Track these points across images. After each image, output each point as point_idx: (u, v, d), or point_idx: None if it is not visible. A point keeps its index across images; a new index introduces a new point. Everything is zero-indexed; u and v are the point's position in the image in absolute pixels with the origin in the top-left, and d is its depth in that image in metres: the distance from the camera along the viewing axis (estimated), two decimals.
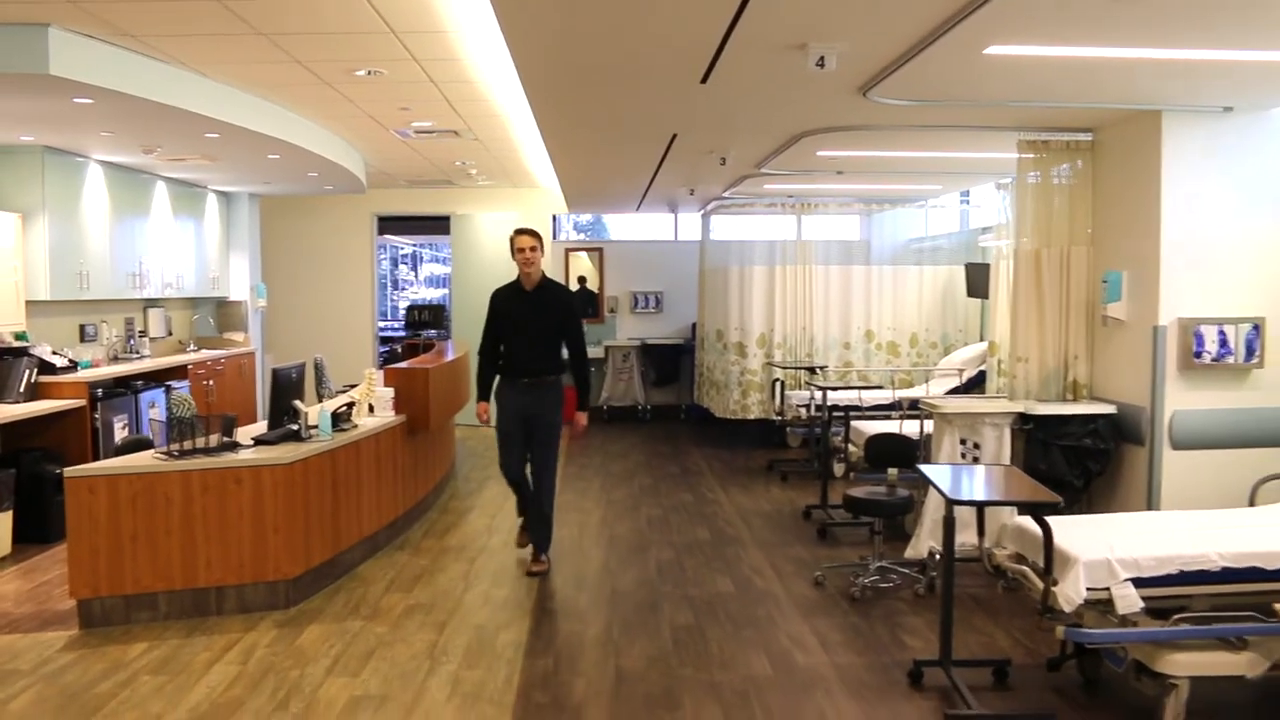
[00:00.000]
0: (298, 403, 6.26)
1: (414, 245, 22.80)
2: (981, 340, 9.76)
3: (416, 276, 23.84)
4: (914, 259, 11.46)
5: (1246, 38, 4.26)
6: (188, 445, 5.70)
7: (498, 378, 6.47)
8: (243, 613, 5.60)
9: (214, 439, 5.84)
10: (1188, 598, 4.15)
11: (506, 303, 6.42)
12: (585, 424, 6.59)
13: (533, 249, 6.27)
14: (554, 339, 6.39)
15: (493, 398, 6.50)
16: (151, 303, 10.15)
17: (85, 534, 5.40)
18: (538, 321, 6.33)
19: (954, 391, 8.77)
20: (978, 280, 9.23)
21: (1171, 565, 4.07)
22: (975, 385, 8.84)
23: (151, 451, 5.80)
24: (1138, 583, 4.02)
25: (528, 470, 6.50)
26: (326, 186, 10.89)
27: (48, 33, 5.16)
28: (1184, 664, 4.01)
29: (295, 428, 6.15)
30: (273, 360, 12.25)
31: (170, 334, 10.66)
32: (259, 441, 5.98)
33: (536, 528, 6.48)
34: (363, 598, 5.91)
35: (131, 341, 9.67)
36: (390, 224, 15.63)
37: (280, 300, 12.70)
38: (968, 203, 10.80)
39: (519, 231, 6.36)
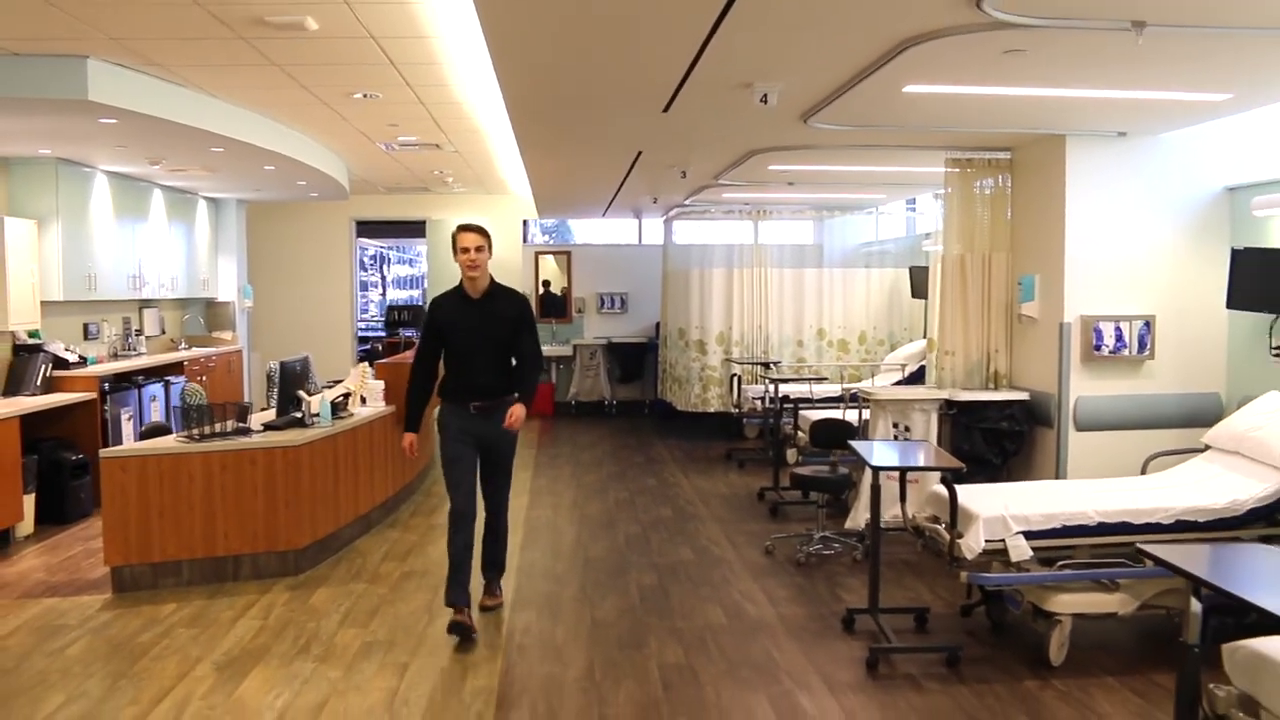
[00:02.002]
0: (302, 393, 6.96)
1: (380, 247, 23.37)
2: (924, 338, 10.58)
3: (384, 278, 24.41)
4: (864, 262, 12.27)
5: (1132, 80, 5.07)
6: (207, 430, 6.39)
7: (441, 402, 5.53)
8: (257, 579, 6.29)
9: (230, 424, 6.53)
10: (1071, 548, 4.97)
11: (450, 314, 5.45)
12: (521, 416, 5.35)
13: (479, 249, 5.30)
14: (505, 353, 5.47)
15: (438, 425, 5.57)
16: (147, 303, 10.77)
17: (118, 508, 6.09)
18: (489, 335, 5.39)
19: (898, 384, 9.57)
20: (920, 282, 10.04)
21: (1056, 521, 4.88)
22: (917, 379, 9.64)
23: (174, 435, 6.49)
24: (1028, 535, 4.83)
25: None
26: (312, 193, 11.56)
27: (87, 64, 5.84)
28: (1067, 603, 4.82)
29: (300, 415, 6.85)
30: (259, 358, 12.93)
31: (164, 332, 11.29)
32: (268, 427, 6.67)
33: (490, 549, 5.74)
34: (363, 566, 6.62)
35: (129, 339, 10.29)
36: (365, 227, 16.24)
37: (265, 301, 13.33)
38: (914, 209, 11.65)
39: (462, 228, 5.36)
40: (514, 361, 5.52)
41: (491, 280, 5.49)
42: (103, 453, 6.20)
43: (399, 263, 25.36)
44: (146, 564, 6.14)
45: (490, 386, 5.43)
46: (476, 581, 5.58)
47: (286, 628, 5.44)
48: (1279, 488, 5.00)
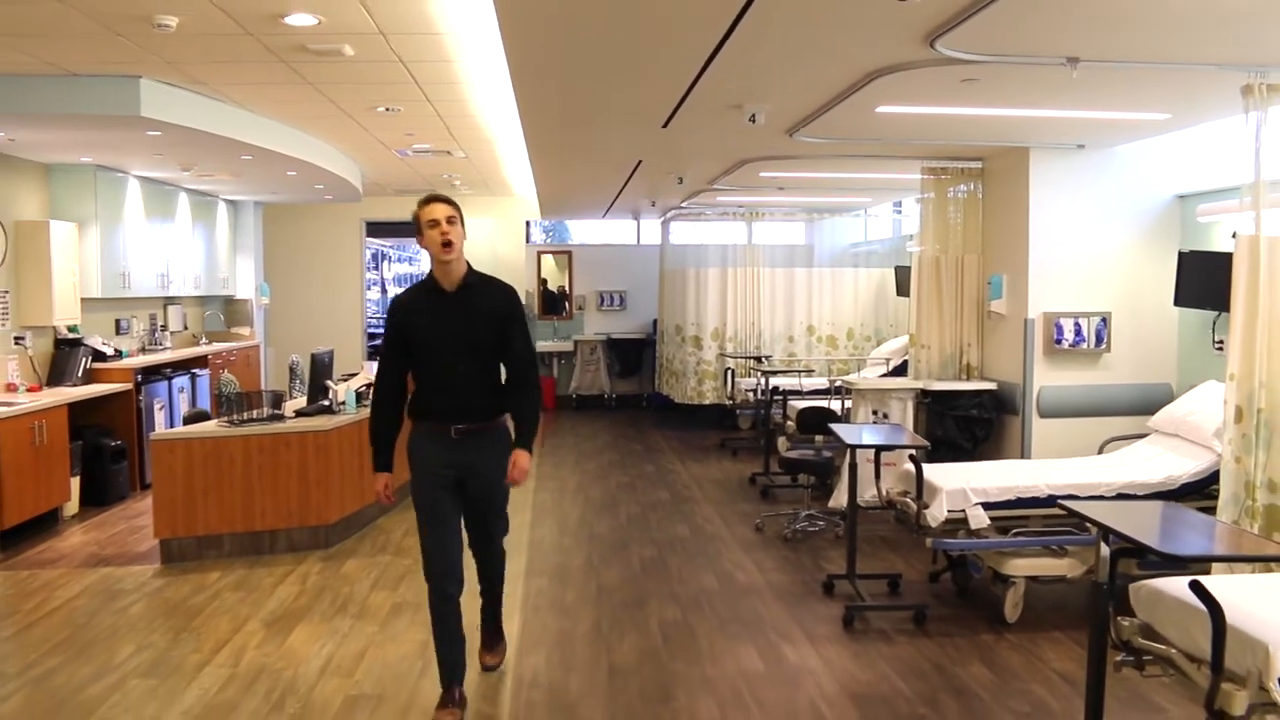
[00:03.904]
0: (329, 382, 7.57)
1: (380, 246, 23.93)
2: (908, 334, 11.19)
3: (383, 277, 24.97)
4: (852, 262, 12.89)
5: (1078, 102, 5.67)
6: (245, 416, 7.00)
7: (412, 425, 4.39)
8: (291, 551, 6.89)
9: (265, 411, 7.14)
10: (1025, 518, 5.59)
11: (417, 313, 4.29)
12: (526, 468, 4.30)
13: (450, 220, 4.16)
14: (492, 361, 4.32)
15: (408, 454, 4.39)
16: (171, 300, 11.36)
17: (166, 486, 6.70)
18: (468, 336, 4.23)
19: (882, 377, 10.18)
20: (905, 281, 10.63)
21: (1011, 493, 5.51)
22: (901, 372, 10.24)
23: (216, 420, 7.10)
24: (986, 506, 5.45)
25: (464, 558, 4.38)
26: (327, 196, 12.16)
27: (140, 83, 6.43)
28: (1021, 567, 5.44)
29: (328, 403, 7.46)
30: (274, 353, 13.55)
31: (186, 328, 11.88)
32: (300, 414, 7.28)
33: (484, 611, 4.77)
34: (387, 540, 7.23)
35: (155, 334, 10.87)
36: (372, 227, 16.84)
37: (280, 298, 13.93)
38: (899, 212, 12.27)
39: (428, 200, 4.21)
40: (504, 371, 4.40)
41: (470, 268, 4.29)
42: (152, 435, 6.83)
43: (399, 261, 25.98)
44: (192, 537, 6.75)
45: (474, 405, 4.27)
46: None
47: (323, 592, 6.05)
48: (1209, 464, 5.61)
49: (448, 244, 4.16)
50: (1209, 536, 3.59)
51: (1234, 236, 5.07)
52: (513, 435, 4.40)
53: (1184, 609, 3.33)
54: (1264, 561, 3.96)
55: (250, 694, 4.56)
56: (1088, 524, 3.59)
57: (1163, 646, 3.46)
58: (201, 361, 10.98)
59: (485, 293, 4.33)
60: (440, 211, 4.16)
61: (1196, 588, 3.11)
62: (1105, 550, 3.51)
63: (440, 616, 4.28)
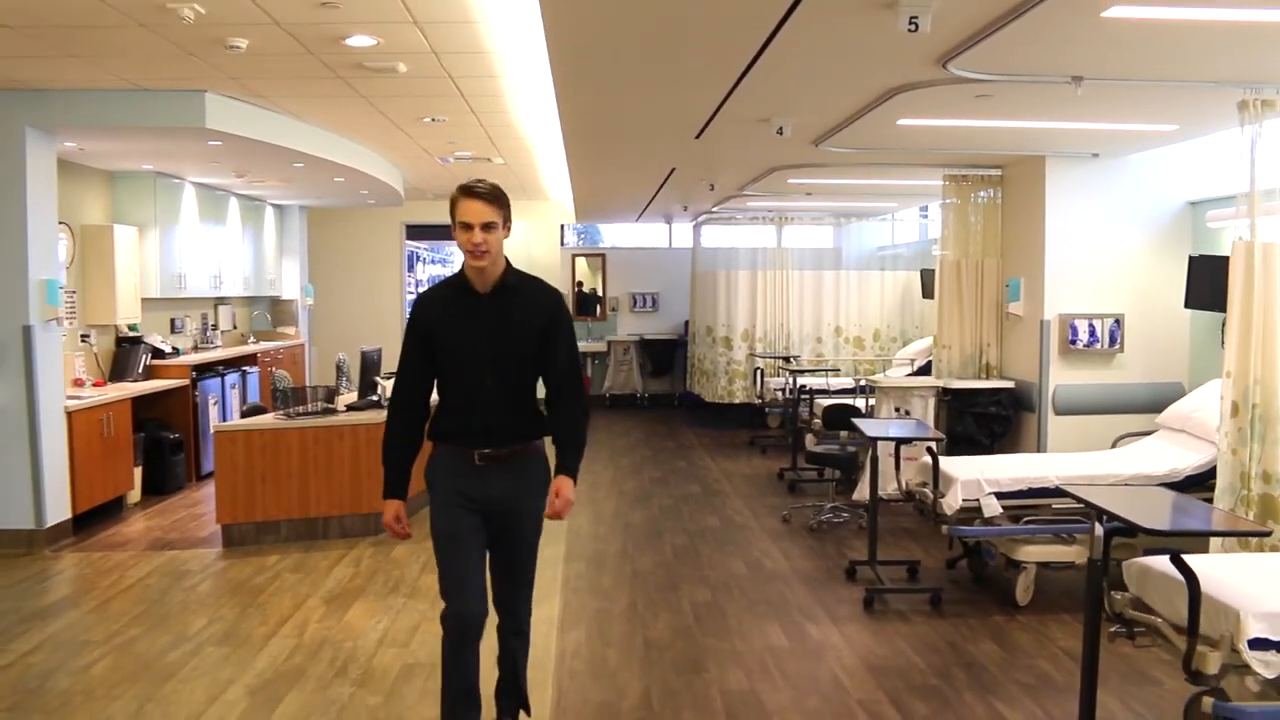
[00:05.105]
0: (379, 378, 8.00)
1: (413, 247, 24.36)
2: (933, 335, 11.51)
3: (415, 277, 25.39)
4: (879, 265, 13.20)
5: (1088, 115, 5.99)
6: (300, 410, 7.44)
7: (432, 448, 3.79)
8: (343, 537, 7.31)
9: (319, 405, 7.57)
10: (1035, 508, 5.92)
11: (445, 315, 3.70)
12: (570, 499, 3.71)
13: (487, 227, 3.51)
14: (528, 377, 3.73)
15: (426, 481, 3.82)
16: (221, 300, 11.84)
17: (228, 474, 7.14)
18: (503, 347, 3.66)
19: (906, 377, 10.51)
20: (930, 284, 10.95)
21: (1022, 483, 5.84)
22: (925, 372, 10.56)
23: (273, 413, 7.54)
24: (999, 495, 5.79)
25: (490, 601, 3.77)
26: (370, 201, 12.62)
27: (205, 97, 6.88)
28: (1032, 553, 5.77)
29: (376, 398, 7.87)
30: (318, 351, 14.04)
31: (235, 327, 12.37)
32: (351, 408, 7.70)
33: (504, 673, 3.97)
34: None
35: (207, 333, 11.36)
36: (412, 230, 17.30)
37: (324, 299, 14.42)
38: (925, 216, 12.57)
39: (468, 192, 3.54)
40: (540, 389, 3.78)
41: (509, 266, 3.69)
42: (215, 427, 7.28)
43: (431, 263, 26.48)
44: (251, 523, 7.19)
45: (505, 426, 3.69)
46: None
47: (376, 574, 6.47)
48: (1212, 458, 5.91)
49: (480, 249, 3.52)
50: (1190, 515, 3.93)
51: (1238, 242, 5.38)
52: (549, 460, 3.80)
53: (1169, 582, 3.68)
54: (1236, 535, 4.30)
55: (315, 661, 4.98)
56: (1081, 503, 3.93)
57: (1151, 617, 3.81)
58: (251, 359, 11.46)
59: (526, 297, 3.70)
60: (477, 214, 3.49)
61: (1176, 560, 3.46)
62: (1099, 530, 3.85)
63: (454, 666, 3.66)
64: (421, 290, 3.68)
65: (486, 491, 3.67)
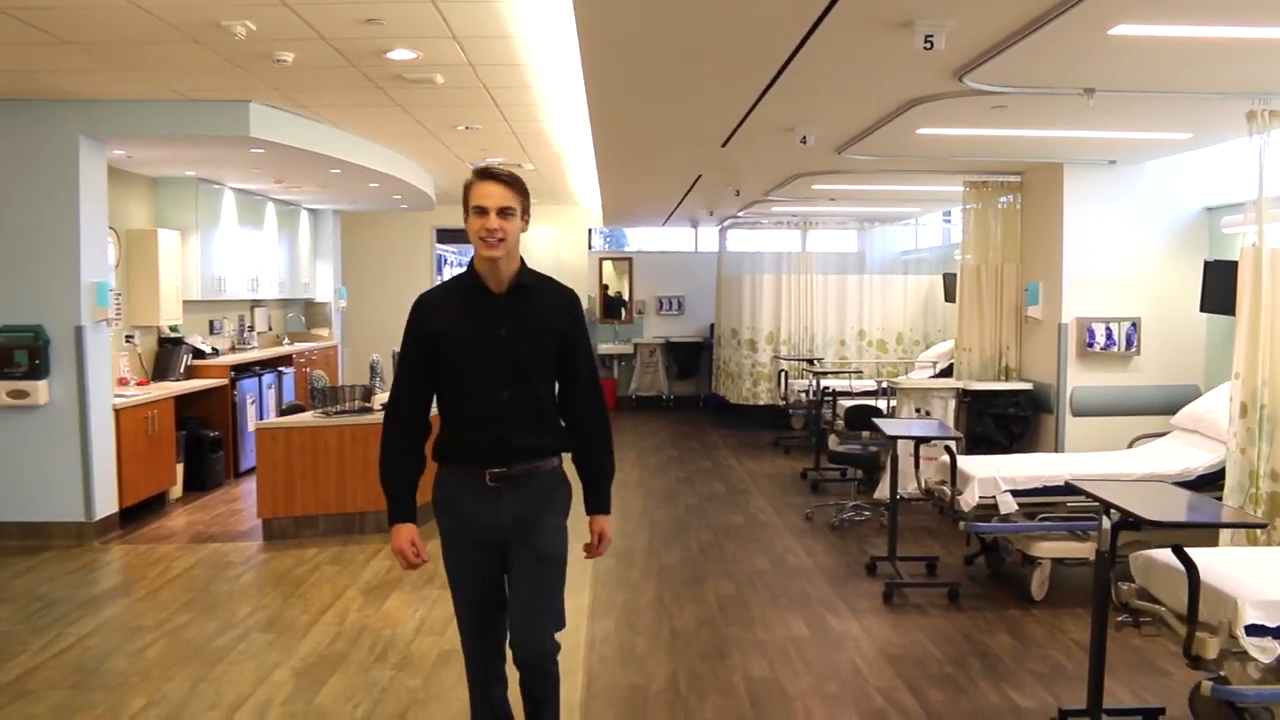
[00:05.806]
0: None
1: (440, 250, 24.58)
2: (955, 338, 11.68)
3: (442, 279, 25.66)
4: (902, 269, 13.36)
5: (1103, 124, 6.18)
6: (337, 408, 7.70)
7: (438, 469, 3.43)
8: (379, 532, 7.55)
9: (356, 403, 7.83)
10: (1050, 505, 6.09)
11: (450, 318, 3.33)
12: (609, 537, 3.58)
13: (504, 213, 3.18)
14: (546, 387, 3.40)
15: (434, 509, 3.44)
16: (258, 303, 12.15)
17: (269, 470, 7.41)
18: (518, 353, 3.28)
19: (928, 379, 10.68)
20: (953, 288, 11.10)
21: (1037, 481, 6.02)
22: (947, 375, 10.73)
23: (311, 412, 7.80)
24: (1014, 493, 5.97)
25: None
26: (403, 205, 12.90)
27: (249, 107, 7.15)
28: (1046, 549, 5.95)
29: None
30: (350, 353, 14.34)
31: (270, 329, 12.67)
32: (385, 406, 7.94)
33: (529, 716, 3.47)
34: None
35: (244, 334, 11.66)
36: (442, 234, 17.59)
37: (356, 301, 14.72)
38: (949, 221, 12.74)
39: (484, 174, 3.22)
40: (558, 401, 3.46)
41: (523, 265, 3.36)
42: (255, 424, 7.56)
43: (458, 265, 26.78)
44: (290, 517, 7.46)
45: (522, 443, 3.31)
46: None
47: None
48: (1224, 458, 6.07)
49: (496, 239, 3.18)
50: (1195, 510, 4.11)
51: (1247, 247, 5.55)
52: (567, 476, 3.49)
53: (1171, 572, 3.86)
54: (1234, 527, 4.47)
55: (357, 646, 5.23)
56: (1090, 497, 4.12)
57: (1155, 606, 3.99)
58: (287, 360, 11.75)
59: (543, 298, 3.37)
60: (493, 197, 3.17)
61: (1177, 551, 3.65)
62: (1107, 523, 4.04)
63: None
64: (422, 292, 3.47)
65: (499, 515, 3.29)
